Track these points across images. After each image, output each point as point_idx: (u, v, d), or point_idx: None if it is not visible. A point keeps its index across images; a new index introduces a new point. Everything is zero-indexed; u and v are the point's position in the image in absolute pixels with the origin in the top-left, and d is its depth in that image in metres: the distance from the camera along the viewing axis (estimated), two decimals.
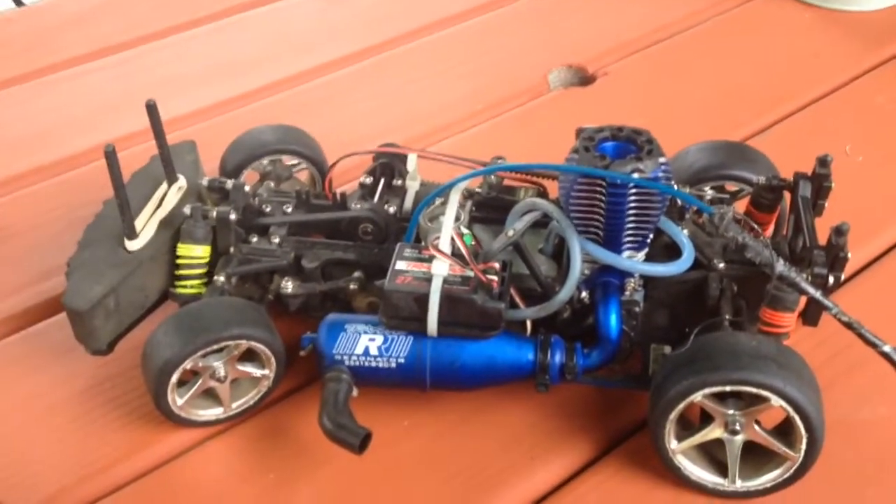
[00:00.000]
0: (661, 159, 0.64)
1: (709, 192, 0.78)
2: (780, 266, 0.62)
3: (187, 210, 0.74)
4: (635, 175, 0.63)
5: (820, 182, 0.71)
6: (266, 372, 0.70)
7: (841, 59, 1.14)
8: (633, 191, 0.64)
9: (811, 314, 0.68)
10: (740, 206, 0.78)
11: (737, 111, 1.05)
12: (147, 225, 0.74)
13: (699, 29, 1.20)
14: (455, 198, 0.69)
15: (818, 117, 1.05)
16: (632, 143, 0.66)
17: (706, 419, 0.65)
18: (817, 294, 0.62)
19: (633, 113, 1.05)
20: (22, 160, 0.99)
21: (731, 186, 0.80)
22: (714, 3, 1.25)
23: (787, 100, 1.07)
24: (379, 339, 0.68)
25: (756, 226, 0.66)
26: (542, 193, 0.77)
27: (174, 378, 0.66)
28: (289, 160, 0.85)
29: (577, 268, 0.66)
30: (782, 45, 1.17)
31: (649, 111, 1.05)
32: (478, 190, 0.77)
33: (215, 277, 0.72)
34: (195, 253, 0.73)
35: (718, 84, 1.10)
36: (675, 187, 0.74)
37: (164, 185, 0.77)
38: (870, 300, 0.81)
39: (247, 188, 0.77)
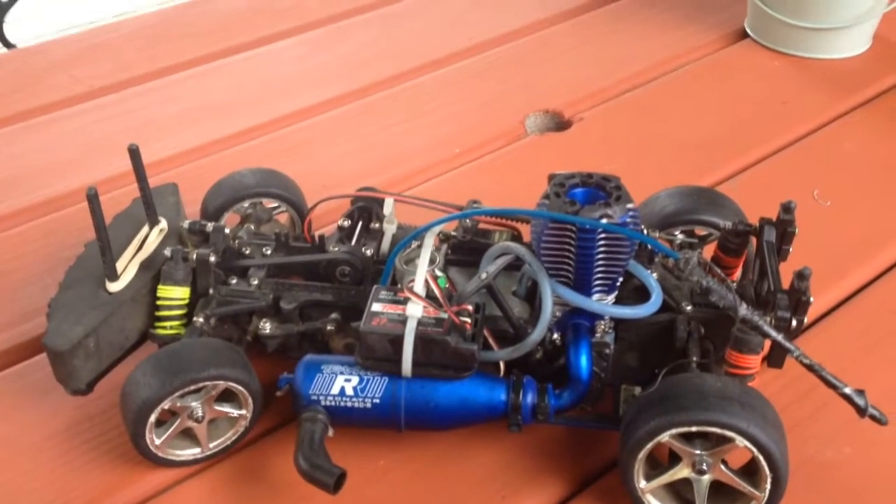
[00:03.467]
0: (629, 205, 0.66)
1: (679, 237, 0.80)
2: (743, 309, 0.64)
3: (168, 252, 0.75)
4: (604, 220, 0.65)
5: (784, 227, 0.73)
6: (243, 412, 0.71)
7: (809, 106, 1.17)
8: (602, 236, 0.66)
9: (775, 357, 0.69)
10: (709, 250, 0.80)
11: (708, 157, 1.08)
12: (128, 267, 0.75)
13: (672, 76, 1.23)
14: (429, 241, 0.70)
15: (787, 163, 1.07)
16: (601, 190, 0.68)
17: (674, 459, 0.66)
18: (779, 337, 0.64)
19: (608, 158, 1.07)
20: (5, 202, 1.01)
21: (701, 231, 0.82)
22: (686, 51, 1.28)
23: (757, 146, 1.10)
24: (355, 379, 0.69)
25: (720, 270, 0.68)
26: (517, 237, 0.79)
27: (152, 418, 0.67)
28: (269, 203, 0.87)
29: (549, 310, 0.68)
30: (752, 92, 1.20)
31: (623, 156, 1.08)
32: (453, 233, 0.79)
33: (194, 318, 0.73)
34: (175, 294, 0.74)
35: (690, 130, 1.13)
36: (645, 232, 0.76)
37: (146, 228, 0.79)
38: (838, 342, 0.83)
39: (227, 231, 0.79)
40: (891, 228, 0.97)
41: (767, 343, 0.67)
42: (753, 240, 0.76)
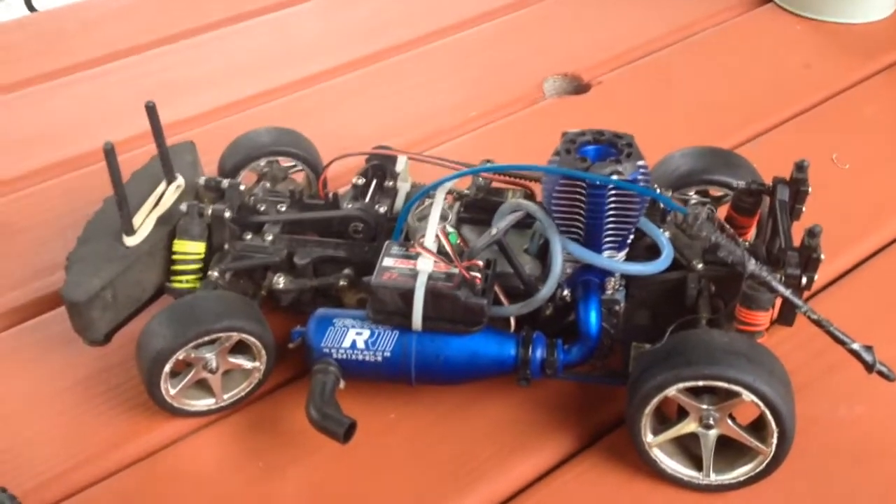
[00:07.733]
0: (640, 162, 0.66)
1: (693, 197, 0.80)
2: (752, 265, 0.64)
3: (184, 207, 0.76)
4: (614, 177, 0.65)
5: (797, 187, 0.73)
6: (257, 364, 0.72)
7: (831, 70, 1.16)
8: (612, 192, 0.66)
9: (785, 314, 0.69)
10: (723, 211, 0.80)
11: (728, 120, 1.07)
12: (145, 221, 0.76)
13: (693, 40, 1.22)
14: (440, 197, 0.71)
15: (808, 127, 1.07)
16: (612, 147, 0.68)
17: (682, 414, 0.66)
18: (787, 292, 0.64)
19: (626, 121, 1.05)
20: (29, 160, 1.02)
21: (715, 191, 0.82)
22: (708, 14, 1.27)
23: (778, 109, 1.09)
24: (366, 333, 0.70)
25: (728, 227, 0.68)
26: (529, 195, 0.79)
27: (167, 368, 0.68)
28: (285, 162, 0.88)
29: (559, 266, 0.68)
30: (774, 56, 1.19)
31: (642, 119, 1.07)
32: (466, 191, 0.79)
33: (209, 273, 0.74)
34: (190, 249, 0.75)
35: (710, 94, 1.12)
36: (657, 190, 0.76)
37: (163, 184, 0.80)
38: (852, 304, 0.83)
39: (242, 187, 0.79)
40: None
41: (779, 302, 0.67)
42: (767, 200, 0.76)
